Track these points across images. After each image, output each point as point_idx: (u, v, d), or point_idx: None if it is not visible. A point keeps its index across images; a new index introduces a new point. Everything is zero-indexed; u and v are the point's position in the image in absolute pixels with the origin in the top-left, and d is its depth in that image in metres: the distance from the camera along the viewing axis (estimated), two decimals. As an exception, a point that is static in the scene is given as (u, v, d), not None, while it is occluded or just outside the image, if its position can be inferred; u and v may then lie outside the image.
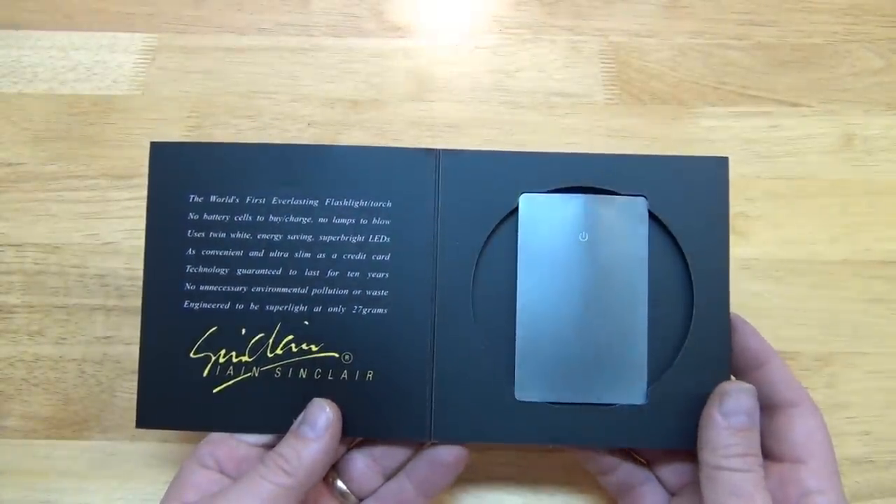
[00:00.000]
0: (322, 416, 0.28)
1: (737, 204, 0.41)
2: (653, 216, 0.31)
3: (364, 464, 0.31)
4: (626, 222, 0.30)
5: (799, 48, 0.46)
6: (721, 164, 0.31)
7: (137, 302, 0.37)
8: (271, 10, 0.47)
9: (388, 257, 0.31)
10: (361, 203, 0.31)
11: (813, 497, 0.26)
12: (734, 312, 0.31)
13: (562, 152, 0.32)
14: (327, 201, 0.31)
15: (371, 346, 0.30)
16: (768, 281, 0.39)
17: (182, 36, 0.46)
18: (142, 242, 0.39)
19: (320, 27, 0.47)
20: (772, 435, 0.28)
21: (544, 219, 0.30)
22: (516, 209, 0.31)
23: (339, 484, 0.31)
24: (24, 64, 0.45)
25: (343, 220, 0.31)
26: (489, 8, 0.48)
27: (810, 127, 0.43)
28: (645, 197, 0.31)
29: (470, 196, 0.31)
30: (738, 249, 0.39)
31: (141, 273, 0.38)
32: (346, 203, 0.31)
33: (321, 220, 0.31)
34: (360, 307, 0.30)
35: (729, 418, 0.27)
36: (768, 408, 0.29)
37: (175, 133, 0.42)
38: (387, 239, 0.31)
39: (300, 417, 0.29)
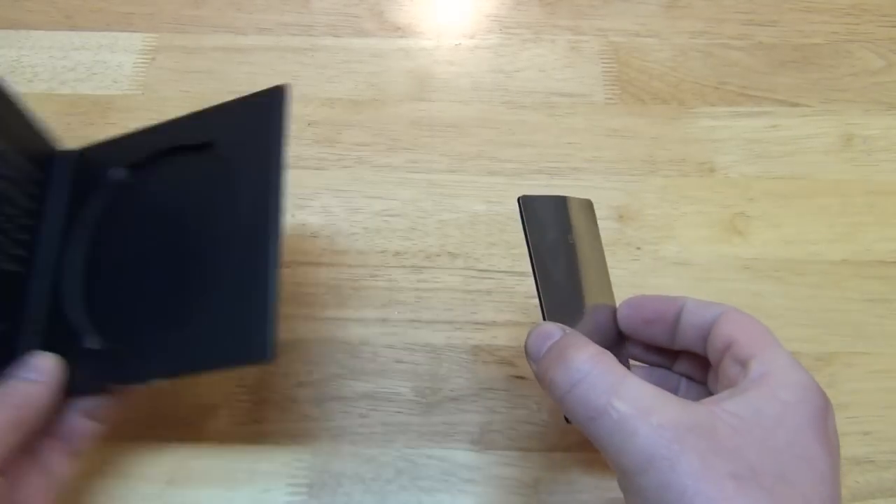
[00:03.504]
0: (44, 361, 0.28)
1: (737, 204, 0.41)
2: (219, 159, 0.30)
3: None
4: (587, 215, 0.31)
5: (799, 48, 0.46)
6: (277, 93, 0.30)
7: (137, 302, 0.37)
8: (271, 10, 0.47)
9: None
10: None
11: (748, 364, 0.24)
12: (631, 297, 0.30)
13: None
14: None
15: None
16: (768, 281, 0.39)
17: (182, 36, 0.46)
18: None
19: (320, 27, 0.47)
20: (710, 351, 0.27)
21: (541, 218, 0.30)
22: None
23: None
24: (24, 64, 0.45)
25: None
26: (489, 8, 0.48)
27: (810, 127, 0.43)
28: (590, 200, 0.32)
29: None
30: (738, 249, 0.39)
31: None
32: None
33: None
34: None
35: (538, 356, 0.26)
36: (701, 339, 0.27)
37: (175, 133, 0.42)
38: None
39: (17, 366, 0.28)
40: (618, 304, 0.31)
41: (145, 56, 0.45)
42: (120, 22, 0.46)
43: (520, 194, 0.29)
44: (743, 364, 0.24)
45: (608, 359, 0.23)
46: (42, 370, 0.28)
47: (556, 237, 0.30)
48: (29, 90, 0.44)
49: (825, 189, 0.41)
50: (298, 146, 0.42)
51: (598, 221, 0.40)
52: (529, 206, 0.30)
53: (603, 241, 0.39)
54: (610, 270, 0.39)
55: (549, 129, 0.43)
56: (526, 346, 0.26)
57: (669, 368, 0.30)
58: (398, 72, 0.45)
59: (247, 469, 0.34)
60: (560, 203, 0.31)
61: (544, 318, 0.27)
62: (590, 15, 0.47)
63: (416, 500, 0.33)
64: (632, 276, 0.38)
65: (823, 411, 0.23)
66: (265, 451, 0.34)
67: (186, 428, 0.35)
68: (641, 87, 0.45)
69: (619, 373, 0.23)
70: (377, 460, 0.34)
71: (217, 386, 0.35)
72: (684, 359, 0.30)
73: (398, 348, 0.36)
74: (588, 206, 0.32)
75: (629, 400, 0.22)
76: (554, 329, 0.25)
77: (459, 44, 0.46)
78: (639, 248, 0.39)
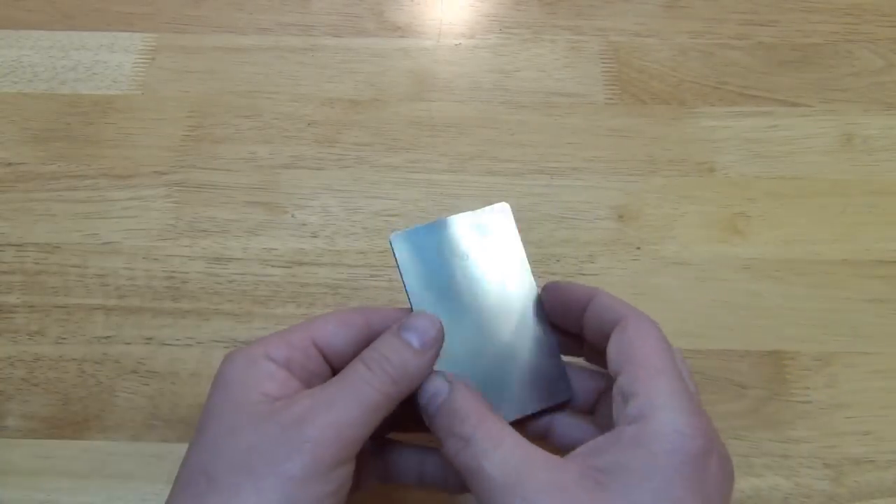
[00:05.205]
0: (432, 328, 0.26)
1: (737, 204, 0.41)
2: None
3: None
4: (495, 228, 0.30)
5: (799, 48, 0.46)
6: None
7: (137, 302, 0.37)
8: (271, 10, 0.47)
9: None
10: None
11: (629, 402, 0.23)
12: (549, 282, 0.30)
13: None
14: None
15: None
16: (768, 281, 0.39)
17: (182, 36, 0.46)
18: (141, 242, 0.39)
19: (320, 27, 0.47)
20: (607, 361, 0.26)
21: (420, 250, 0.29)
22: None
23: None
24: (24, 64, 0.45)
25: None
26: (489, 8, 0.48)
27: (810, 127, 0.43)
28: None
29: None
30: (738, 249, 0.39)
31: (140, 273, 0.38)
32: None
33: None
34: None
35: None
36: (605, 339, 0.26)
37: (175, 133, 0.42)
38: None
39: (404, 323, 0.26)
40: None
41: (145, 56, 0.45)
42: (120, 22, 0.46)
43: (394, 232, 0.29)
44: (624, 400, 0.24)
45: (488, 424, 0.24)
46: (426, 338, 0.26)
47: (445, 263, 0.29)
48: (29, 90, 0.44)
49: (825, 189, 0.41)
50: (298, 146, 0.42)
51: (598, 221, 0.40)
52: (402, 244, 0.29)
53: (603, 241, 0.40)
54: (609, 270, 0.39)
55: (548, 129, 0.43)
56: (419, 403, 0.26)
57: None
58: (398, 72, 0.45)
59: (247, 469, 0.33)
60: (445, 227, 0.30)
61: None
62: (590, 15, 0.47)
63: (416, 499, 0.33)
64: (632, 275, 0.39)
65: (699, 457, 0.22)
66: (265, 451, 0.34)
67: (186, 428, 0.35)
68: (641, 87, 0.45)
69: (493, 438, 0.24)
70: (377, 460, 0.34)
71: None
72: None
73: (398, 348, 0.36)
74: (497, 212, 0.30)
75: (497, 466, 0.23)
76: (441, 386, 0.26)
77: (459, 44, 0.46)
78: (639, 248, 0.39)
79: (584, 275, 0.38)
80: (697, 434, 0.22)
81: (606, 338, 0.26)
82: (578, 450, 0.23)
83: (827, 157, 0.42)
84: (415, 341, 0.26)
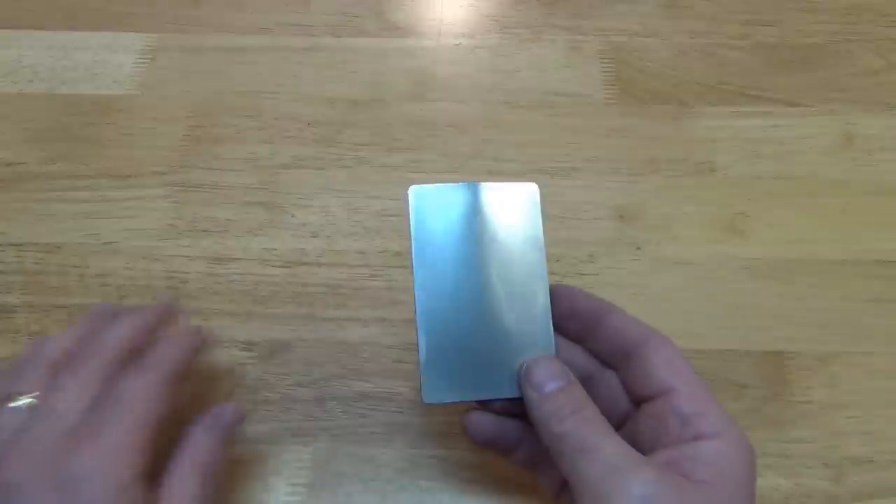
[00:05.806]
0: (229, 418, 0.29)
1: (737, 204, 0.41)
2: None
3: None
4: (518, 207, 0.29)
5: (799, 48, 0.46)
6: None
7: (137, 302, 0.37)
8: (272, 10, 0.47)
9: None
10: None
11: (693, 421, 0.25)
12: (556, 283, 0.29)
13: None
14: None
15: None
16: (768, 281, 0.39)
17: (182, 36, 0.46)
18: (141, 242, 0.39)
19: (320, 27, 0.47)
20: (635, 380, 0.27)
21: (436, 210, 0.28)
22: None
23: None
24: (24, 64, 0.45)
25: None
26: (489, 8, 0.48)
27: (810, 127, 0.43)
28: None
29: None
30: (738, 249, 0.39)
31: (140, 273, 0.38)
32: None
33: None
34: None
35: (543, 389, 0.26)
36: (623, 356, 0.28)
37: (175, 133, 0.42)
38: None
39: (212, 416, 0.29)
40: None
41: (145, 56, 0.45)
42: (120, 22, 0.47)
43: (413, 185, 0.28)
44: (685, 420, 0.25)
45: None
46: (228, 430, 0.29)
47: (458, 228, 0.28)
48: (29, 90, 0.44)
49: (825, 189, 0.41)
50: (298, 146, 0.42)
51: (598, 221, 0.40)
52: (420, 198, 0.28)
53: (603, 241, 0.40)
54: (609, 270, 0.39)
55: (548, 129, 0.43)
56: (529, 373, 0.27)
57: None
58: (398, 72, 0.45)
59: (246, 469, 0.34)
60: (467, 191, 0.29)
61: (416, 313, 0.28)
62: (590, 15, 0.47)
63: (416, 500, 0.33)
64: (632, 275, 0.39)
65: (755, 463, 0.25)
66: (265, 451, 0.34)
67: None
68: (641, 87, 0.45)
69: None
70: (377, 460, 0.34)
71: (217, 386, 0.35)
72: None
73: (398, 348, 0.36)
74: (525, 191, 0.29)
75: (616, 447, 0.24)
76: (562, 372, 0.27)
77: (459, 44, 0.46)
78: (639, 248, 0.39)
79: (584, 275, 0.38)
80: (749, 443, 0.25)
81: (622, 353, 0.28)
82: (665, 459, 0.25)
83: (827, 157, 0.42)
84: (221, 433, 0.29)
